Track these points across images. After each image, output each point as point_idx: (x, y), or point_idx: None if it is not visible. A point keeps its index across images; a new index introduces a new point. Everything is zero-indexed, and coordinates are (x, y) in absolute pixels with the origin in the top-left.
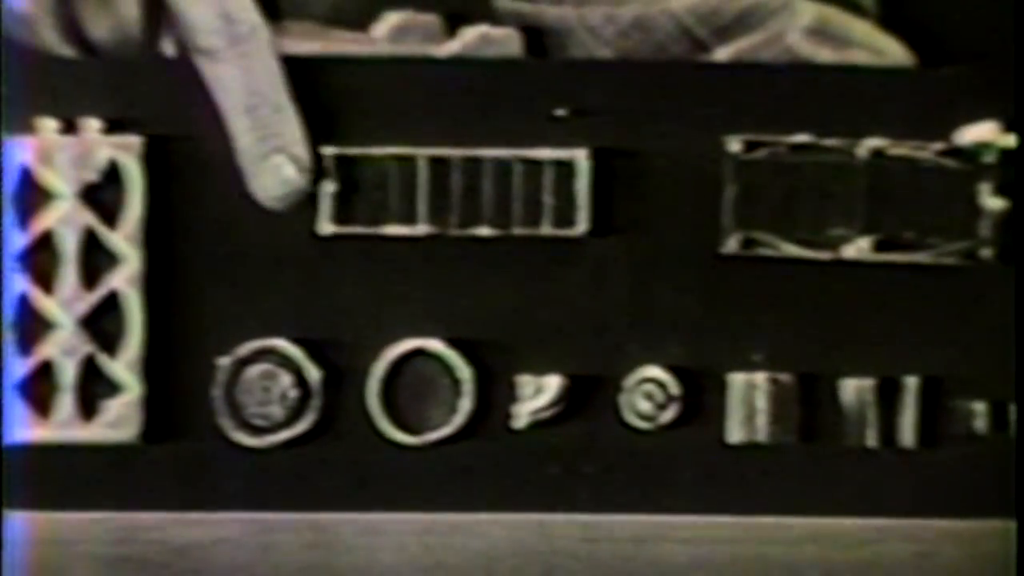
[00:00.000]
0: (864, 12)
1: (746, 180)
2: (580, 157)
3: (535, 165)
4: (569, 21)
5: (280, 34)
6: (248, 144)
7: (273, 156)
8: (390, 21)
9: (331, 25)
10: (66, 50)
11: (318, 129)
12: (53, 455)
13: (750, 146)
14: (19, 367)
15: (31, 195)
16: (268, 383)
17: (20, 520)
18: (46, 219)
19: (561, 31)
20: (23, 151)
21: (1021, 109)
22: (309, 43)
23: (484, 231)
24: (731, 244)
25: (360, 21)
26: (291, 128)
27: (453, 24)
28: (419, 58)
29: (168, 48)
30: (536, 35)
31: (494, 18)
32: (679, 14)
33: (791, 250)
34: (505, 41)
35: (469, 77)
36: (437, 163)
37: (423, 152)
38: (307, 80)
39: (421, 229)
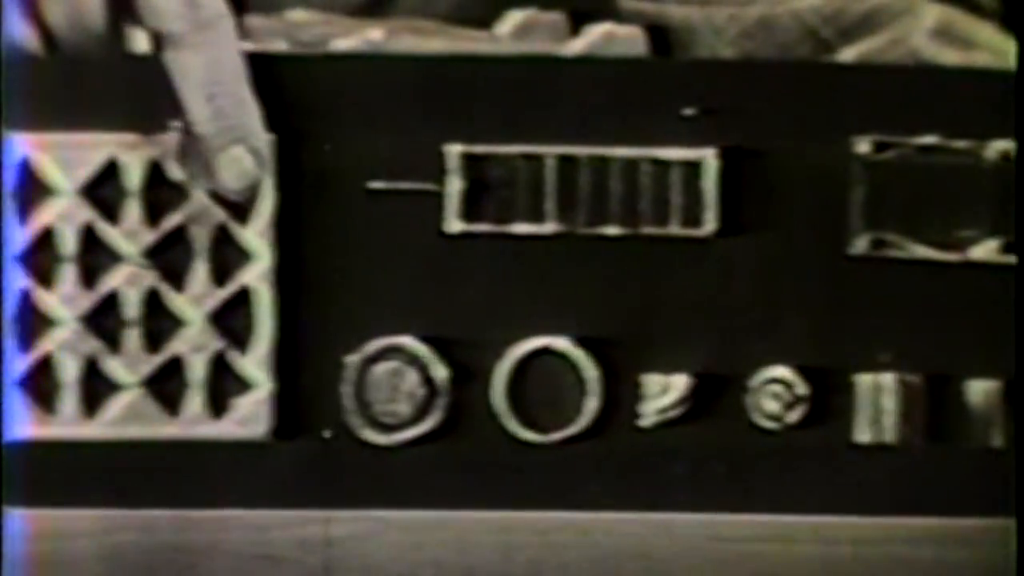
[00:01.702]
0: (986, 14)
1: (874, 181)
2: (708, 157)
3: (663, 164)
4: (694, 20)
5: (405, 32)
6: (208, 133)
7: (232, 147)
8: (514, 19)
9: (455, 23)
10: (32, 44)
11: (444, 127)
12: (182, 451)
13: (879, 147)
14: (147, 364)
15: (163, 191)
16: (395, 381)
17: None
18: (178, 215)
19: (685, 30)
20: (156, 149)
21: (1021, 111)
22: (435, 41)
23: (612, 230)
24: (860, 245)
25: (484, 19)
26: (251, 119)
27: (577, 22)
28: (545, 57)
29: (141, 43)
30: (660, 34)
31: (618, 17)
32: (804, 14)
33: (919, 251)
34: (630, 40)
35: (595, 76)
36: (565, 162)
37: (551, 150)
38: (433, 78)
39: (549, 227)
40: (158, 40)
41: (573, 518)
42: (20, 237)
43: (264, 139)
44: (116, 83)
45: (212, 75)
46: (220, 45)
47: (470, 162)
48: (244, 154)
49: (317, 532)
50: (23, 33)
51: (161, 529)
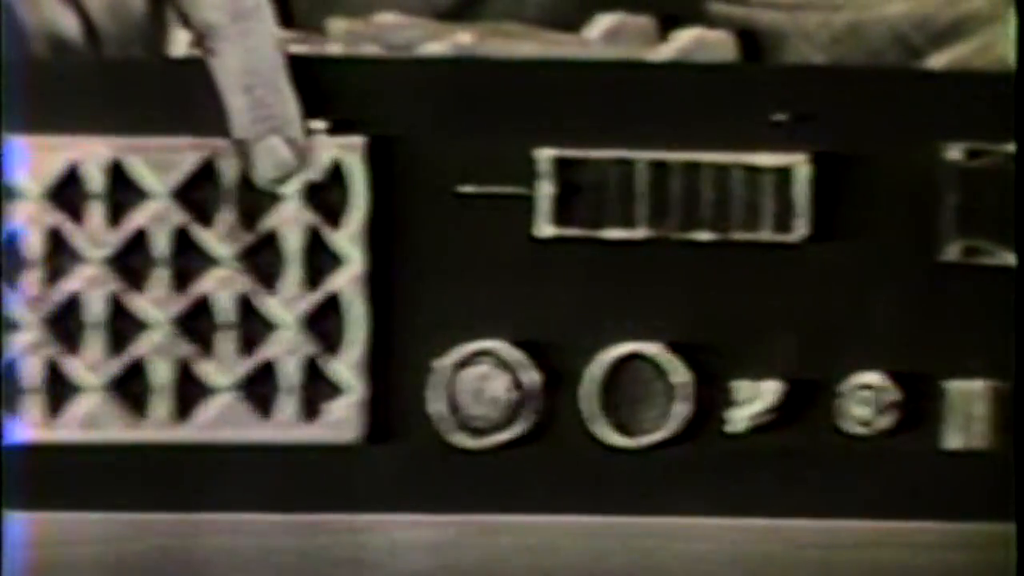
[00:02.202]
0: None
1: (966, 188)
2: (799, 162)
3: (754, 170)
4: (783, 26)
5: (494, 36)
6: (244, 124)
7: (268, 137)
8: (603, 23)
9: (543, 27)
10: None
11: (535, 131)
12: (275, 455)
13: (971, 154)
14: (240, 367)
15: (257, 194)
16: (485, 385)
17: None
18: (271, 219)
19: (774, 35)
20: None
21: (1021, 113)
22: (524, 45)
23: (703, 235)
24: (951, 252)
25: (572, 23)
26: (288, 109)
27: (665, 27)
28: (635, 61)
29: (179, 47)
30: (749, 39)
31: (707, 21)
32: (893, 20)
33: (1010, 259)
34: (719, 45)
35: (686, 81)
36: (657, 167)
37: (643, 155)
38: (523, 82)
39: (640, 232)
40: (198, 32)
41: (662, 523)
42: (112, 239)
43: (300, 128)
44: (204, 87)
45: (250, 65)
46: (258, 35)
47: (562, 166)
48: (280, 144)
49: (406, 536)
50: (66, 25)
51: (259, 533)
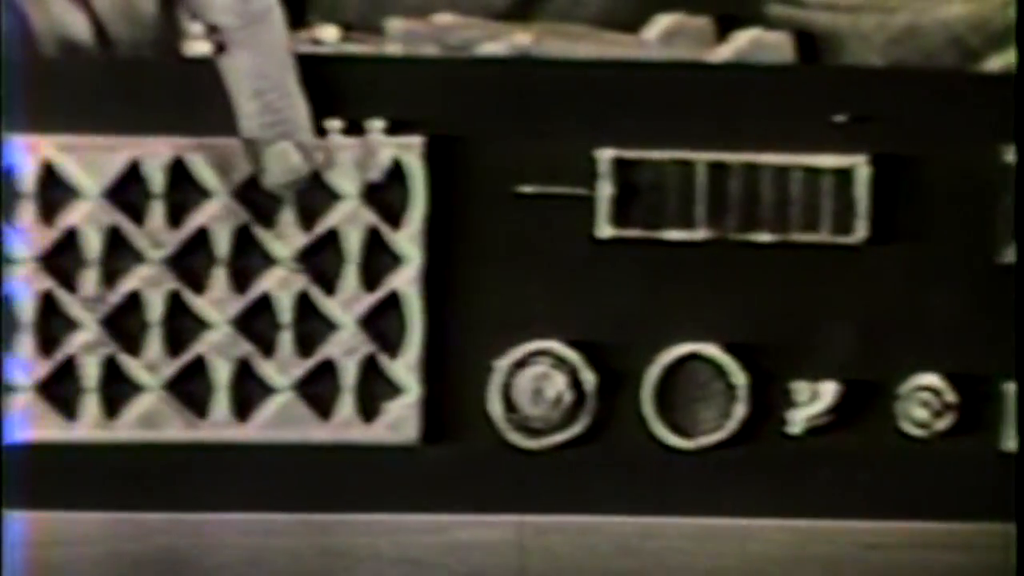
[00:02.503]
0: None
1: (1022, 190)
2: (859, 164)
3: (814, 172)
4: (841, 27)
5: (552, 36)
6: (255, 129)
7: (279, 142)
8: (661, 24)
9: (601, 27)
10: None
11: (594, 131)
12: (334, 455)
13: None
14: (298, 367)
15: (316, 195)
16: (543, 385)
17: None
18: (331, 218)
19: (832, 37)
20: (319, 152)
21: (1020, 113)
22: (582, 45)
23: (762, 237)
24: (1009, 253)
25: (630, 23)
26: (298, 114)
27: (723, 27)
28: (695, 62)
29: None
30: (807, 40)
31: (764, 22)
32: (951, 23)
33: None
34: (777, 46)
35: (745, 82)
36: (716, 168)
37: (702, 157)
38: (582, 82)
39: (699, 233)
40: (210, 34)
41: (720, 524)
42: (172, 240)
43: (310, 134)
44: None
45: (261, 70)
46: (269, 39)
47: (621, 167)
48: (291, 149)
49: (463, 536)
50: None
51: (310, 532)
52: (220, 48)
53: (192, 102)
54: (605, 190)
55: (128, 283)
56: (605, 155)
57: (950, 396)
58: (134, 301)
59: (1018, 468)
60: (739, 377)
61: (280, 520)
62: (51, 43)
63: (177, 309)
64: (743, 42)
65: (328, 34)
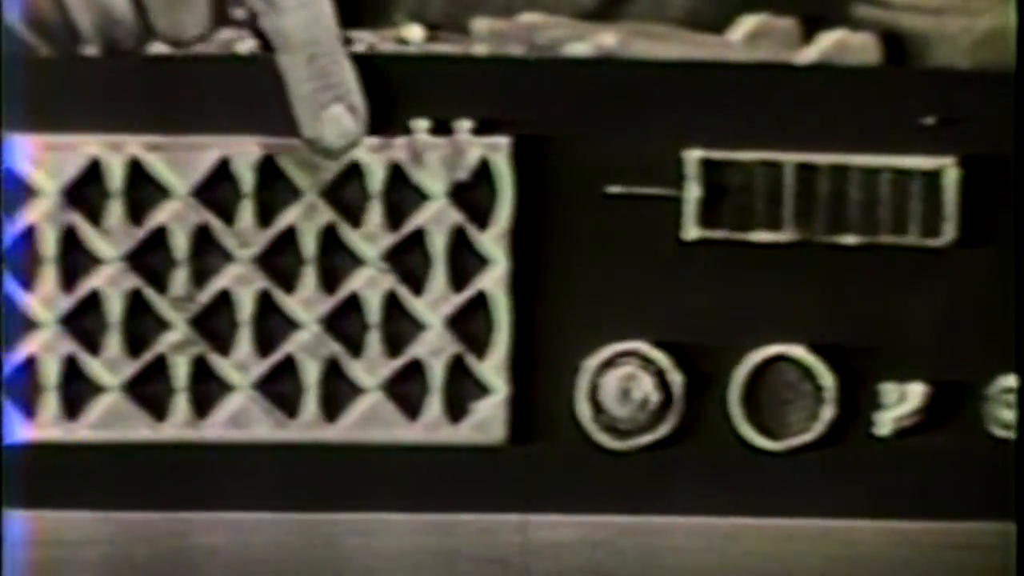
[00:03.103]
0: None
1: None
2: (948, 166)
3: (903, 173)
4: (927, 29)
5: (638, 37)
6: (307, 93)
7: (332, 106)
8: (747, 25)
9: (688, 28)
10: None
11: (682, 132)
12: (421, 456)
13: None
14: (385, 368)
15: (404, 194)
16: (630, 386)
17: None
18: (418, 218)
19: (918, 39)
20: (396, 151)
21: (1020, 113)
22: (668, 46)
23: (850, 239)
24: None
25: (715, 24)
26: (348, 77)
27: (809, 29)
28: (781, 64)
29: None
30: (893, 42)
31: (851, 23)
32: None
33: None
34: (863, 48)
35: (832, 83)
36: (804, 169)
37: (790, 158)
38: (670, 83)
39: (786, 235)
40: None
41: (807, 525)
42: (260, 240)
43: (360, 96)
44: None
45: (311, 35)
46: (317, 5)
47: (708, 168)
48: (344, 112)
49: (548, 536)
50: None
51: (401, 533)
52: (267, 22)
53: (280, 102)
54: (692, 191)
55: (218, 282)
56: (692, 156)
57: None
58: (223, 301)
59: (1018, 468)
60: (827, 378)
61: (361, 520)
62: (101, 40)
63: (266, 309)
64: (829, 43)
65: (414, 34)
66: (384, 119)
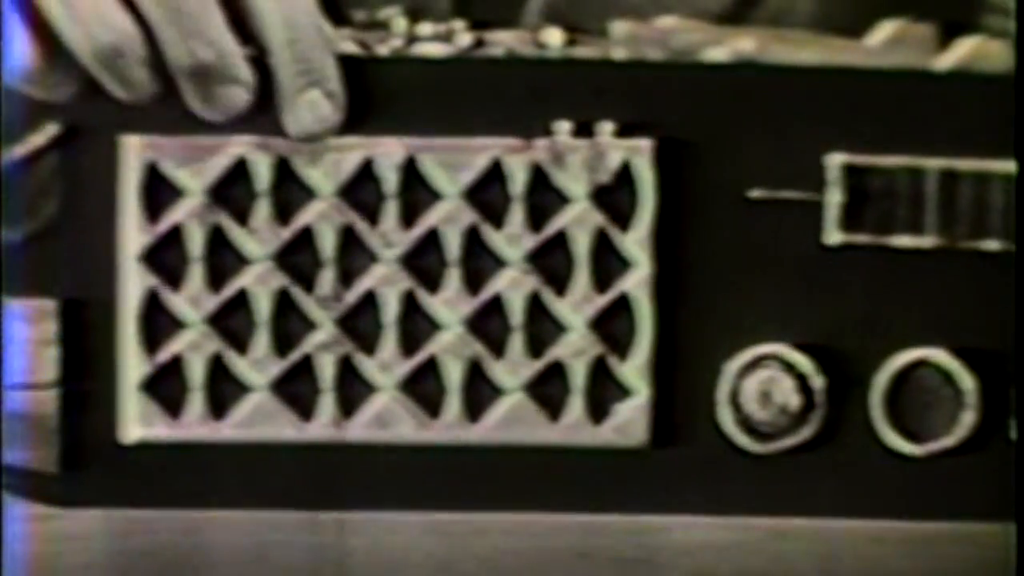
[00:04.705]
0: None
1: None
2: None
3: None
4: None
5: (775, 42)
6: (285, 78)
7: (309, 91)
8: (885, 30)
9: (824, 32)
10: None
11: (824, 137)
12: (560, 457)
13: None
14: (527, 369)
15: (546, 196)
16: (771, 389)
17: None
18: (560, 220)
19: None
20: (538, 153)
21: (1021, 114)
22: (806, 51)
23: (991, 245)
24: None
25: (850, 29)
26: (327, 63)
27: (948, 34)
28: (921, 70)
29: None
30: None
31: (984, 31)
32: None
33: None
34: (999, 55)
35: (971, 89)
36: (946, 175)
37: (933, 163)
38: (811, 88)
39: (928, 241)
40: None
41: (949, 528)
42: (404, 240)
43: (340, 83)
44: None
45: (290, 19)
46: None
47: (851, 173)
48: (321, 98)
49: (690, 538)
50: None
51: (534, 533)
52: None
53: (424, 103)
54: (835, 196)
55: (364, 283)
56: (835, 161)
57: None
58: (367, 301)
59: (1018, 467)
60: (968, 383)
61: (502, 520)
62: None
63: (409, 310)
64: (966, 50)
65: (553, 38)
66: (526, 122)
